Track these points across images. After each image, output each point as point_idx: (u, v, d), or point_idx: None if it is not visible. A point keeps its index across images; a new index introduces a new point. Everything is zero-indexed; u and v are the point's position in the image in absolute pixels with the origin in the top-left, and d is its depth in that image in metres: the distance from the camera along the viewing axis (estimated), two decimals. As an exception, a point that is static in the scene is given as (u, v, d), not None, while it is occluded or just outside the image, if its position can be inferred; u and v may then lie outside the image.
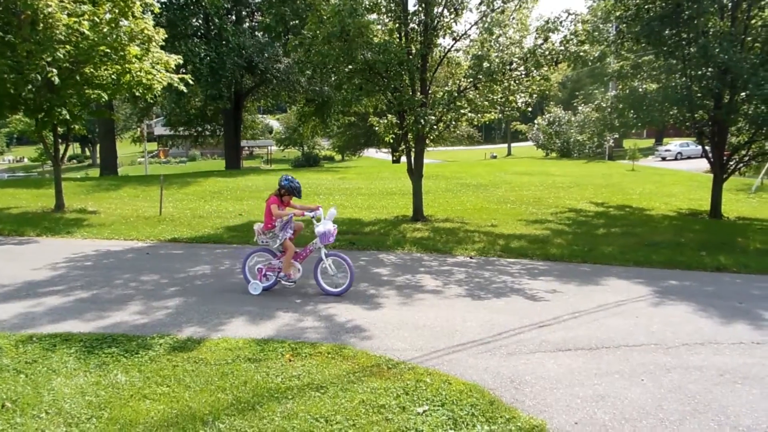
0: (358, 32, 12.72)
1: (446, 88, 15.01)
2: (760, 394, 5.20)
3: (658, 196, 21.30)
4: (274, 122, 77.65)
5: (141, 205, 17.25)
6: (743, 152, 17.06)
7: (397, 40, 14.19)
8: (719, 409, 4.88)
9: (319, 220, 8.02)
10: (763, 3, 16.03)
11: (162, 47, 15.21)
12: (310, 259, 8.31)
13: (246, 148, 64.52)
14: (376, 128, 15.79)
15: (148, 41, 14.53)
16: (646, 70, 17.66)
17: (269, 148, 68.15)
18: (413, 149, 15.13)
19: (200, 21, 32.48)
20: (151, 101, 18.60)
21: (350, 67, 13.70)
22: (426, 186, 18.99)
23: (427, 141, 15.27)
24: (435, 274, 9.67)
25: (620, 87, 18.71)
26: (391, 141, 15.93)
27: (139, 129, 51.67)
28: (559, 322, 7.20)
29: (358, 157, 66.19)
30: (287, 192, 8.00)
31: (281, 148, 70.10)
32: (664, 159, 45.95)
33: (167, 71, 15.01)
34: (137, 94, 15.06)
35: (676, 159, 45.11)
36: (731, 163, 17.27)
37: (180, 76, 15.28)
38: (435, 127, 14.38)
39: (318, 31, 13.11)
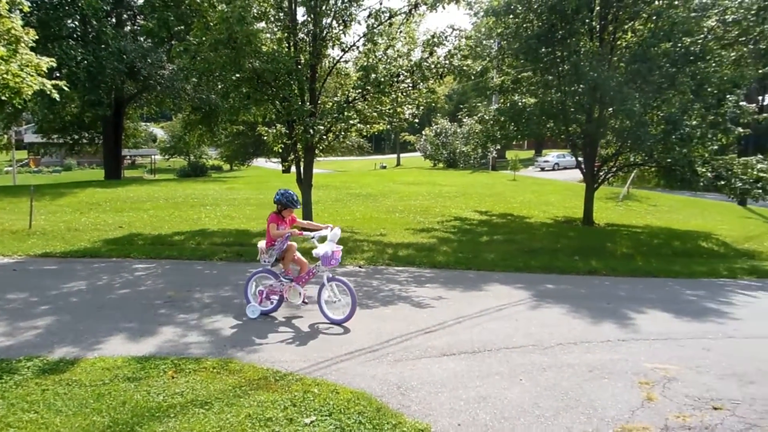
0: (246, 40, 12.53)
1: (335, 99, 15.11)
2: (623, 387, 5.61)
3: (537, 204, 22.45)
4: (158, 130, 74.55)
5: (7, 218, 16.01)
6: (611, 163, 18.33)
7: (286, 49, 14.11)
8: (588, 403, 5.22)
9: (322, 241, 7.46)
10: (626, 27, 17.39)
11: (32, 49, 14.24)
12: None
13: (128, 157, 61.51)
14: (265, 138, 15.63)
15: (15, 42, 13.56)
16: (526, 85, 18.57)
17: (153, 157, 65.34)
18: (302, 159, 15.08)
19: (76, 22, 30.66)
20: (20, 106, 17.31)
21: (238, 75, 13.45)
22: (316, 196, 18.97)
23: (317, 151, 15.27)
24: (324, 284, 9.67)
25: (502, 101, 19.57)
26: (281, 150, 15.80)
27: (6, 136, 47.87)
28: (444, 327, 7.42)
29: (247, 166, 64.93)
30: (284, 206, 7.53)
31: (166, 157, 67.41)
32: (543, 169, 48.49)
33: (39, 75, 14.07)
34: (3, 98, 14.00)
35: (554, 169, 47.71)
36: (601, 173, 18.50)
37: (54, 82, 14.35)
38: (324, 137, 14.41)
39: (204, 38, 12.78)
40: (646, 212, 22.21)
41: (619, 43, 17.43)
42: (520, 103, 17.83)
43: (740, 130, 16.67)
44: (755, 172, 16.43)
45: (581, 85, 16.34)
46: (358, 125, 14.96)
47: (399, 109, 15.02)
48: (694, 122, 15.64)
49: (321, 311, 7.44)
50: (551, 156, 50.29)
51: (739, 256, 14.78)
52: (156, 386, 5.27)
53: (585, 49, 16.80)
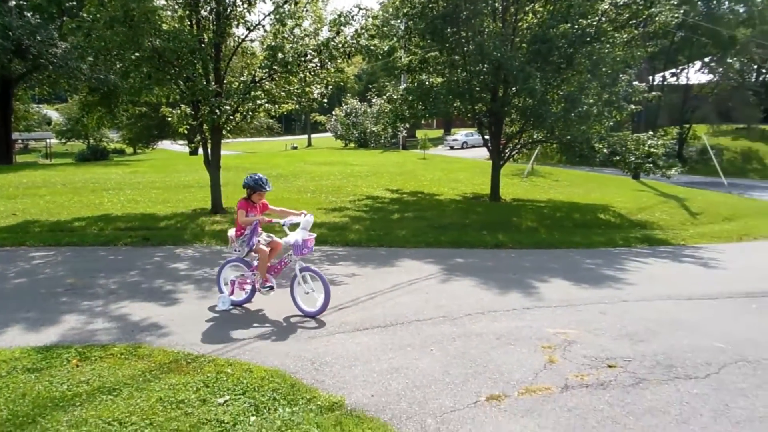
0: (144, 18, 12.00)
1: (242, 79, 14.79)
2: (527, 352, 5.91)
3: (447, 182, 22.94)
4: (52, 113, 70.25)
5: None
6: (516, 141, 18.97)
7: (189, 27, 13.65)
8: (495, 368, 5.47)
9: (293, 229, 7.01)
10: (527, 8, 17.95)
11: None
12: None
13: (19, 141, 57.69)
14: (170, 119, 15.10)
15: None
16: (433, 65, 18.83)
17: (48, 140, 61.56)
18: (209, 140, 14.71)
19: (-48, -4, 28.35)
20: None
21: (137, 54, 12.90)
22: (225, 178, 18.55)
23: (224, 132, 14.93)
24: (236, 266, 9.55)
25: (410, 80, 19.78)
26: (186, 132, 15.35)
27: None
28: (357, 303, 7.52)
29: (152, 149, 62.54)
30: (253, 190, 6.96)
31: (63, 141, 63.69)
32: (452, 148, 49.50)
33: None
34: None
35: (462, 148, 48.82)
36: (506, 150, 19.12)
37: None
38: (231, 117, 14.11)
39: (98, 15, 12.15)
40: (549, 187, 23.16)
41: (520, 24, 17.98)
42: (427, 83, 18.07)
43: (632, 107, 17.70)
44: (646, 148, 17.49)
45: (485, 65, 16.76)
46: (266, 105, 14.73)
47: (307, 89, 14.86)
48: (591, 100, 16.40)
49: (294, 303, 6.99)
50: (460, 135, 51.39)
51: (633, 226, 15.74)
52: (59, 376, 5.06)
53: (489, 30, 17.22)
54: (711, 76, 45.13)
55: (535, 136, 18.99)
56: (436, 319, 6.92)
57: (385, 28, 15.93)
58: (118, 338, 6.01)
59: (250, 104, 14.16)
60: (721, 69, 44.21)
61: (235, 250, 7.23)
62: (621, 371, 5.49)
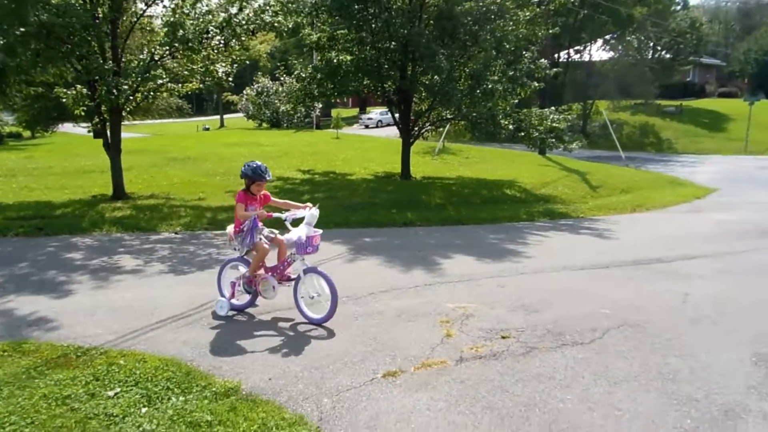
0: (28, -11, 11.30)
1: (141, 57, 14.21)
2: (426, 327, 6.06)
3: (359, 161, 22.97)
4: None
5: None
6: (425, 118, 19.19)
7: (81, 1, 12.95)
8: (394, 345, 5.58)
9: (297, 224, 6.26)
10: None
11: None
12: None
13: None
14: (64, 100, 14.36)
15: None
16: (341, 43, 18.69)
17: (-67, 125, 57.08)
18: (108, 122, 14.09)
19: None
20: None
21: (23, 29, 12.12)
22: (129, 162, 17.92)
23: (124, 113, 14.35)
24: (136, 254, 9.25)
25: (319, 58, 19.56)
26: (83, 114, 14.65)
27: None
28: (260, 287, 7.44)
29: (52, 133, 59.14)
30: (252, 180, 6.22)
31: (-52, 125, 59.18)
32: (367, 127, 49.44)
33: None
34: None
35: (378, 126, 48.83)
36: (416, 128, 19.32)
37: None
38: (131, 98, 13.57)
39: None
40: (459, 164, 23.62)
41: (428, 1, 18.08)
42: (335, 60, 17.92)
43: (536, 84, 18.23)
44: (549, 123, 18.11)
45: (394, 43, 16.81)
46: (169, 85, 14.27)
47: (212, 68, 14.48)
48: (496, 77, 16.78)
49: (298, 309, 6.23)
50: (375, 113, 51.38)
51: (537, 201, 16.35)
52: (-69, 379, 4.77)
53: (396, 7, 17.22)
54: (612, 54, 47.12)
55: (444, 114, 19.25)
56: (340, 298, 6.91)
57: (292, 4, 15.65)
58: (1, 335, 5.71)
59: (151, 83, 13.66)
60: (620, 46, 46.23)
61: (234, 249, 6.57)
62: (513, 341, 5.72)
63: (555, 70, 20.25)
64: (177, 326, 6.04)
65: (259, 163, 6.26)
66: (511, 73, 17.26)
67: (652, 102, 47.17)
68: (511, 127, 17.75)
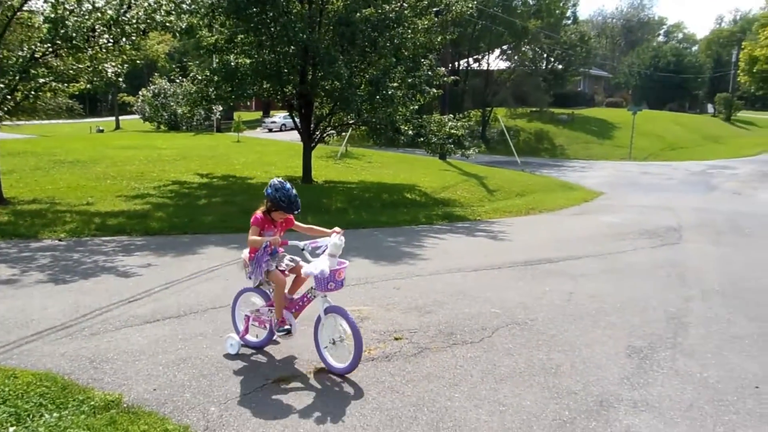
0: None
1: (21, 53, 13.35)
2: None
3: (260, 165, 22.63)
4: None
5: None
6: (326, 123, 19.17)
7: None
8: (287, 351, 5.53)
9: (315, 255, 5.19)
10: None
11: None
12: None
13: None
14: (-67, 98, 13.25)
15: None
16: (240, 45, 18.34)
17: None
18: (-16, 123, 13.16)
19: None
20: None
21: None
22: (11, 164, 16.86)
23: (2, 113, 13.42)
24: (12, 262, 8.64)
25: (217, 60, 19.09)
26: (-45, 114, 13.59)
27: None
28: (150, 294, 7.18)
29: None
30: (276, 207, 5.17)
31: None
32: (270, 130, 48.76)
33: None
34: None
35: (281, 130, 48.24)
36: (317, 133, 19.25)
37: None
38: (8, 97, 12.72)
39: None
40: (361, 169, 23.74)
41: (328, 6, 18.07)
42: (233, 63, 17.55)
43: (434, 91, 18.65)
44: (447, 129, 18.57)
45: (292, 47, 16.67)
46: (53, 84, 13.49)
47: (100, 68, 13.81)
48: (395, 84, 17.01)
49: (319, 354, 5.20)
50: (278, 117, 50.73)
51: (437, 204, 16.70)
52: None
53: (295, 11, 17.10)
54: (508, 63, 48.98)
55: (345, 119, 19.30)
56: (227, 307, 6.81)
57: (185, 5, 15.17)
58: None
59: (33, 82, 12.86)
60: (516, 57, 48.11)
61: (248, 277, 5.56)
62: (406, 342, 5.80)
63: (453, 77, 20.83)
64: (56, 338, 5.70)
65: (290, 187, 5.18)
66: (410, 80, 17.56)
67: (546, 110, 49.35)
68: (410, 132, 18.06)
